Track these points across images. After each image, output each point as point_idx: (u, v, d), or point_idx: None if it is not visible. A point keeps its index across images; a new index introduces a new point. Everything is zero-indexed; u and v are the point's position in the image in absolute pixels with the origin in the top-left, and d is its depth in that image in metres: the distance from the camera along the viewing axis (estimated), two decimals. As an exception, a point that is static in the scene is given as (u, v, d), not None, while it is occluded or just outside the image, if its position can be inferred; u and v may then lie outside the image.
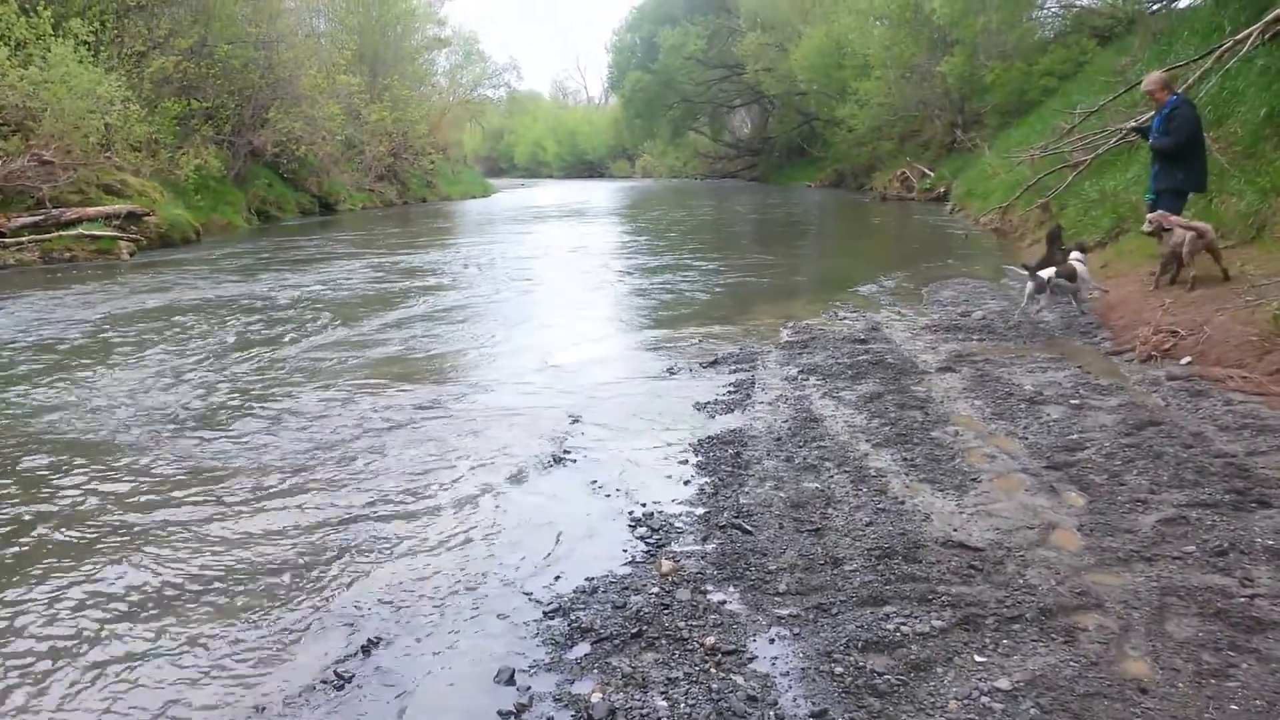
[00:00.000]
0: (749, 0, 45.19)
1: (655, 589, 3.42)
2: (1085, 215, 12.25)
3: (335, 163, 32.24)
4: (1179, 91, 9.19)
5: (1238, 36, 12.57)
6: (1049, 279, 7.74)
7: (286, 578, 3.68)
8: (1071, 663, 2.75)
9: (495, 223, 27.02)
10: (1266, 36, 12.05)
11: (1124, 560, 3.40)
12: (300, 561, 3.82)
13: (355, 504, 4.47)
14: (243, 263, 15.35)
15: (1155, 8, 20.31)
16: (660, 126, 58.24)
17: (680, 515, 4.16)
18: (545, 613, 3.32)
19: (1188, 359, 6.14)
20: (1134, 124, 10.24)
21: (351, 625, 3.29)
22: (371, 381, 6.95)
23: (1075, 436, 4.82)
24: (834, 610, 3.16)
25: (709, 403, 6.02)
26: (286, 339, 8.61)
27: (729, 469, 4.72)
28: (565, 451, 5.16)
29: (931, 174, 27.33)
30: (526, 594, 3.48)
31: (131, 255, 16.05)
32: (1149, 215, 7.99)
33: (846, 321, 8.67)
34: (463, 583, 3.60)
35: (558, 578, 3.61)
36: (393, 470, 4.95)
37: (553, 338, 8.61)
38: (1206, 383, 5.67)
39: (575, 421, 5.76)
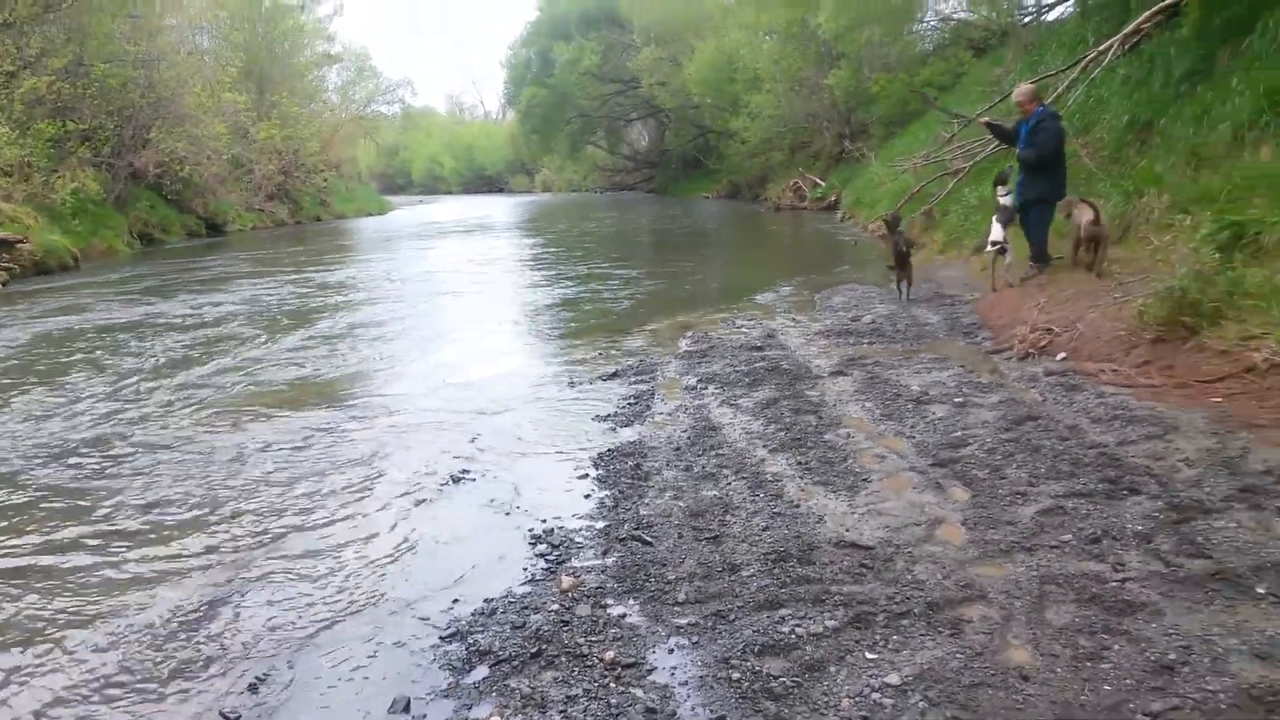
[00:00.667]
0: (642, 15, 45.65)
1: (555, 606, 3.40)
2: (966, 220, 12.78)
3: (222, 182, 31.21)
4: (1046, 103, 9.73)
5: (1100, 48, 13.33)
6: None
7: (169, 613, 3.53)
8: (958, 654, 2.85)
9: (394, 240, 26.57)
10: (1126, 48, 12.82)
11: (1006, 551, 3.54)
12: (184, 594, 3.68)
13: (243, 532, 4.32)
14: (124, 289, 14.68)
15: (1026, 21, 21.40)
16: (558, 141, 58.29)
17: (581, 530, 4.15)
18: (442, 637, 3.27)
19: (1062, 355, 6.44)
20: (987, 119, 10.73)
21: (238, 661, 3.18)
22: (263, 405, 6.74)
23: (959, 434, 5.01)
24: (732, 616, 3.20)
25: (609, 415, 6.04)
26: (173, 365, 8.27)
27: (629, 481, 4.74)
28: (464, 470, 5.10)
29: (822, 184, 28.08)
30: (423, 619, 3.42)
31: (4, 284, 15.20)
32: (1059, 201, 8.51)
33: (744, 329, 8.82)
34: (356, 610, 3.52)
35: (456, 600, 3.56)
36: (284, 495, 4.81)
37: (453, 354, 8.50)
38: (1080, 377, 5.96)
39: (474, 439, 5.70)
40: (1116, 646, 2.83)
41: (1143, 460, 4.33)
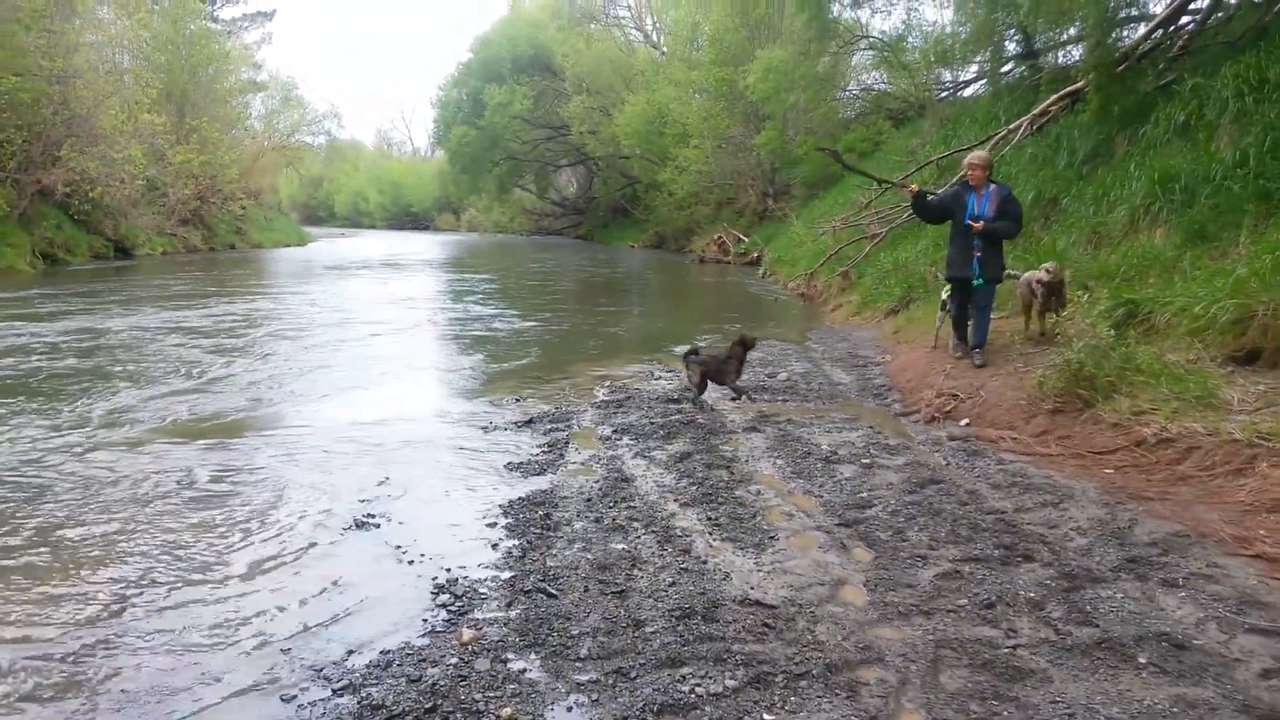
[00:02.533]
0: (574, 65, 46.19)
1: (454, 660, 3.32)
2: (880, 283, 13.17)
3: (135, 205, 30.25)
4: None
5: (1011, 126, 14.06)
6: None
7: (44, 666, 3.33)
8: (852, 717, 2.88)
9: (311, 273, 26.04)
10: (1034, 128, 13.53)
11: (904, 614, 3.61)
12: (61, 646, 3.47)
13: (128, 578, 4.12)
14: (18, 311, 14.03)
15: (942, 96, 22.36)
16: (486, 182, 58.20)
17: (486, 580, 4.08)
18: (334, 690, 3.15)
19: (966, 421, 6.65)
20: (910, 187, 8.95)
21: (109, 716, 3.01)
22: (159, 440, 6.48)
23: (865, 494, 5.11)
24: (633, 674, 3.18)
25: (522, 463, 5.98)
26: (64, 395, 7.91)
27: (538, 531, 4.68)
28: (369, 515, 4.97)
29: (746, 239, 28.62)
30: (315, 670, 3.30)
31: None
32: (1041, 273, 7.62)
33: (662, 381, 8.87)
34: (246, 662, 3.37)
35: (351, 652, 3.44)
36: (174, 537, 4.61)
37: (365, 394, 8.32)
38: (982, 443, 6.16)
39: (382, 483, 5.57)
40: (1006, 713, 2.89)
41: (1037, 528, 4.48)
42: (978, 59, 18.67)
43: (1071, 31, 14.78)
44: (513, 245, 49.22)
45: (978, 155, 8.14)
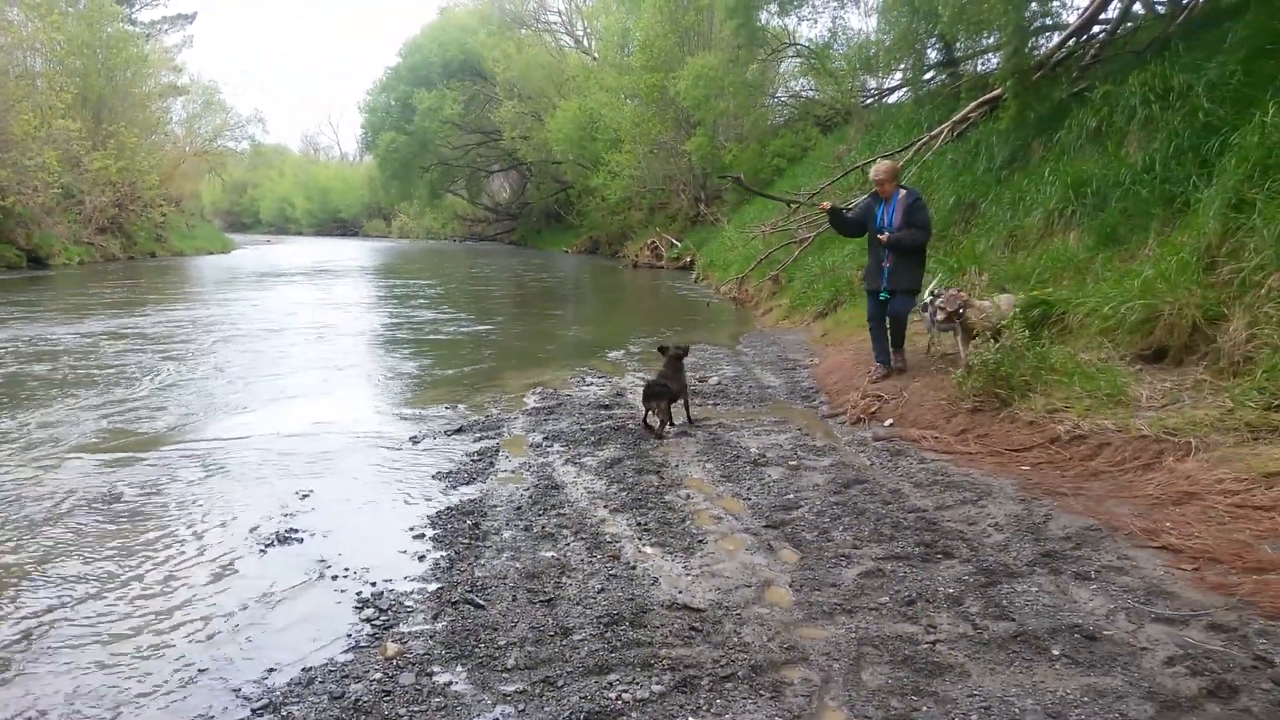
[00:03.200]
0: (505, 70, 45.94)
1: (378, 674, 3.27)
2: (809, 287, 13.37)
3: (49, 213, 29.18)
4: (906, 184, 8.88)
5: (933, 132, 14.38)
6: None
7: (-60, 693, 3.19)
8: (776, 717, 2.91)
9: (235, 281, 25.43)
10: (955, 134, 13.87)
11: (828, 614, 3.66)
12: (-40, 673, 3.33)
13: (37, 597, 3.97)
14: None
15: (868, 102, 22.78)
16: (417, 187, 57.55)
17: (412, 593, 4.03)
18: (254, 710, 3.08)
19: (890, 421, 6.79)
20: (822, 205, 8.90)
21: (17, 744, 2.90)
22: (72, 454, 6.26)
23: (792, 496, 5.17)
24: (560, 682, 3.16)
25: (450, 472, 5.92)
26: (-32, 411, 7.59)
27: (466, 541, 4.64)
28: (291, 529, 4.87)
29: (679, 244, 28.79)
30: (234, 690, 3.22)
31: None
32: (940, 300, 7.30)
33: (593, 387, 8.86)
34: (161, 681, 3.27)
35: (271, 669, 3.36)
36: (88, 551, 4.47)
37: (288, 407, 8.13)
38: (905, 443, 6.29)
39: (306, 496, 5.47)
40: (925, 708, 2.95)
41: (957, 525, 4.59)
42: (901, 67, 18.97)
43: (990, 40, 15.19)
44: (445, 251, 48.72)
45: (880, 167, 7.99)
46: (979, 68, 16.42)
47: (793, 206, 16.50)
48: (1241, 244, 5.84)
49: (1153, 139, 8.71)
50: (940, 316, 7.20)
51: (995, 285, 8.47)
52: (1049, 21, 13.81)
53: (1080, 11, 13.18)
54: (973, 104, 13.71)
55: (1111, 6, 12.55)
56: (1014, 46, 11.63)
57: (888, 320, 7.78)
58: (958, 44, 16.33)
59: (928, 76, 17.59)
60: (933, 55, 17.19)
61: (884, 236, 7.55)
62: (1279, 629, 3.31)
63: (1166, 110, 8.74)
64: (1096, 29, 12.75)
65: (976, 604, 3.67)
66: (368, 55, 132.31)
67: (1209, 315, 5.77)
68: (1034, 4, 12.12)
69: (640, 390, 8.31)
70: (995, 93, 13.00)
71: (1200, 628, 3.38)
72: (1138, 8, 12.78)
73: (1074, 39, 12.84)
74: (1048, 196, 9.46)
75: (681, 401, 7.16)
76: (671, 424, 6.91)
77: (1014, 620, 3.51)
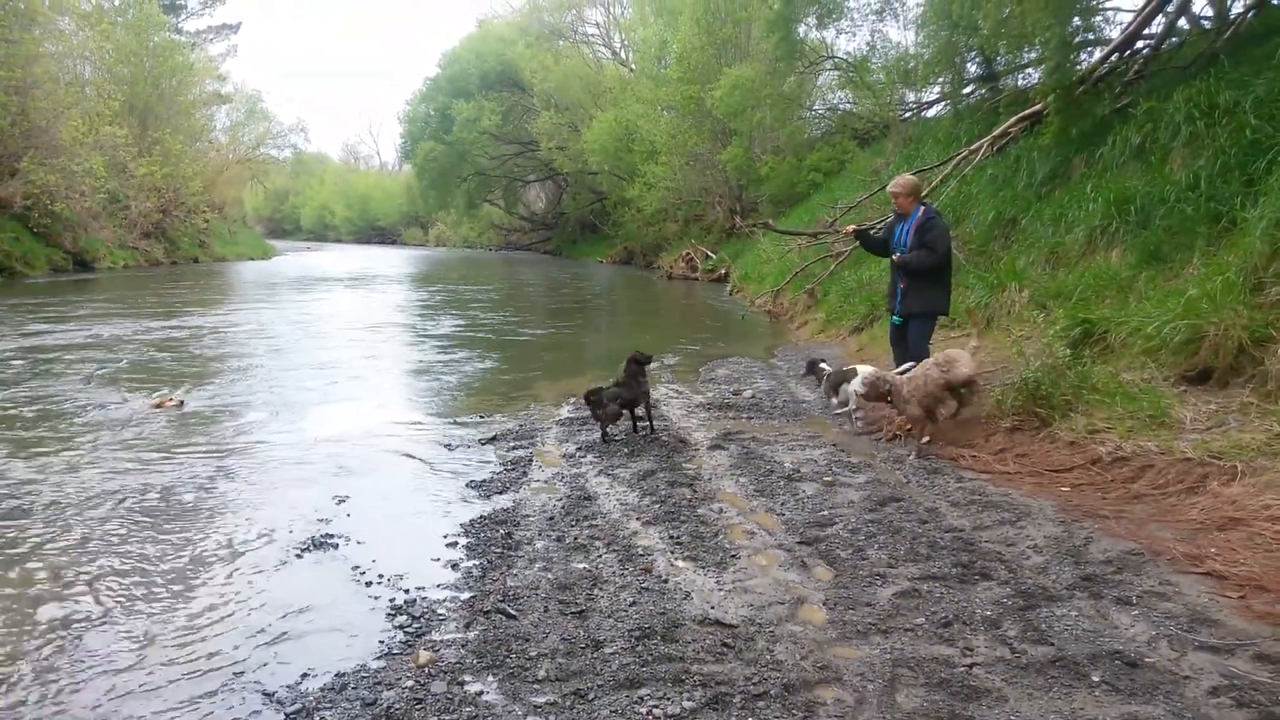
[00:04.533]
0: (543, 81, 46.25)
1: (410, 682, 3.29)
2: (845, 302, 13.28)
3: (95, 217, 29.85)
4: (927, 201, 8.43)
5: (972, 147, 14.25)
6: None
7: (-16, 689, 3.25)
8: (810, 737, 2.88)
9: (276, 287, 25.78)
10: (995, 149, 13.73)
11: (862, 633, 3.62)
12: (6, 670, 3.39)
13: (77, 598, 4.03)
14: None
15: (906, 116, 22.65)
16: (455, 197, 58.09)
17: (444, 601, 4.04)
18: (288, 715, 3.10)
19: (927, 439, 6.71)
20: (847, 230, 8.11)
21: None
22: (117, 460, 6.36)
23: (826, 512, 5.13)
24: (591, 696, 3.16)
25: (484, 481, 5.95)
26: (26, 408, 7.74)
27: (499, 550, 4.65)
28: (327, 535, 4.91)
29: (714, 256, 28.74)
30: (268, 694, 3.25)
31: None
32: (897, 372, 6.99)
33: (626, 398, 8.84)
34: (196, 686, 3.31)
35: (305, 675, 3.39)
36: (131, 555, 4.54)
37: (326, 412, 8.22)
38: (942, 461, 6.22)
39: (342, 502, 5.52)
40: (961, 732, 2.90)
41: (995, 546, 4.52)
42: (940, 80, 18.89)
43: (1030, 55, 15.04)
44: (481, 260, 49.10)
45: (898, 181, 7.55)
46: (1019, 83, 16.28)
47: (833, 217, 16.41)
48: (1291, 264, 5.71)
49: (1198, 156, 8.56)
50: (861, 399, 7.21)
51: (1035, 302, 8.35)
52: (1092, 36, 13.67)
53: (1124, 26, 13.03)
54: (1013, 119, 13.56)
55: (1156, 22, 12.39)
56: (1056, 61, 11.49)
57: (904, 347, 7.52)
58: (998, 58, 16.20)
59: (967, 91, 17.44)
60: (972, 69, 17.06)
61: (896, 257, 7.37)
62: (1328, 661, 3.22)
63: (1212, 127, 8.58)
64: (1140, 44, 12.57)
65: (1014, 627, 3.61)
66: (410, 66, 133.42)
67: (1256, 337, 5.64)
68: (1077, 19, 11.99)
69: (673, 402, 8.32)
70: (1036, 108, 12.86)
71: (1246, 658, 3.30)
72: (1183, 23, 12.60)
73: (1117, 54, 12.68)
74: (1090, 213, 9.32)
75: (642, 409, 7.16)
76: (639, 429, 7.15)
77: (1053, 645, 3.44)
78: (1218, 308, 5.96)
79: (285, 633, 3.76)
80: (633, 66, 44.06)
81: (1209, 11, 12.59)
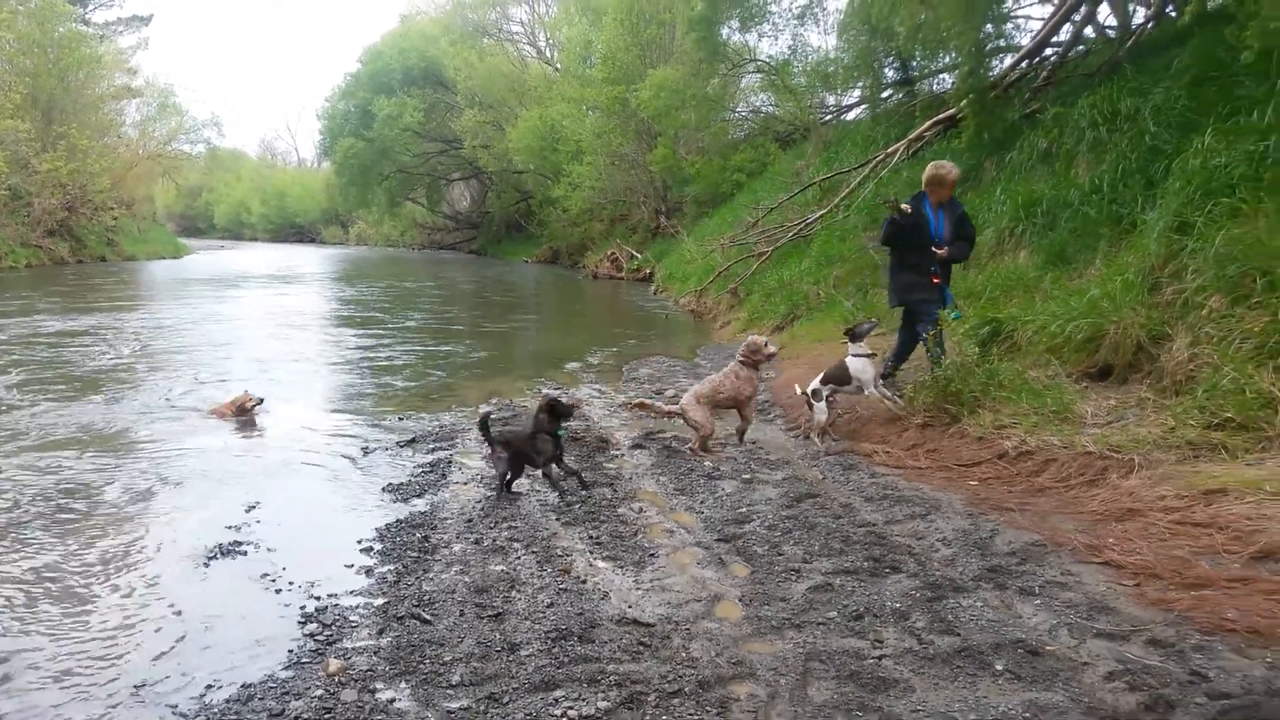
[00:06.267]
0: (467, 79, 45.73)
1: (320, 691, 3.21)
2: (766, 302, 13.45)
3: (-6, 215, 28.48)
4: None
5: (889, 150, 14.57)
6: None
7: None
8: (723, 733, 2.90)
9: (188, 286, 24.97)
10: (910, 152, 14.06)
11: (777, 628, 3.66)
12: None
13: (-34, 615, 3.84)
14: None
15: (827, 119, 23.07)
16: (376, 195, 56.97)
17: (357, 607, 3.96)
18: (189, 728, 3.00)
19: (842, 437, 6.83)
20: (902, 206, 6.88)
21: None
22: (17, 464, 6.09)
23: (744, 510, 5.18)
24: (505, 699, 3.13)
25: (401, 484, 5.85)
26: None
27: (415, 555, 4.58)
28: (236, 542, 4.78)
29: (639, 256, 28.82)
30: (170, 706, 3.14)
31: None
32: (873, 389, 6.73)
33: (549, 398, 8.80)
34: (94, 701, 3.18)
35: (210, 686, 3.29)
36: (24, 564, 4.35)
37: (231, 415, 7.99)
38: (857, 457, 6.34)
39: (252, 508, 5.37)
40: (870, 723, 2.96)
41: (906, 539, 4.62)
42: (859, 84, 19.35)
43: (945, 61, 15.47)
44: (404, 259, 48.37)
45: (951, 168, 7.01)
46: (934, 87, 16.74)
47: (756, 218, 16.64)
48: (1184, 265, 5.98)
49: (1101, 161, 8.91)
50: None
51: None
52: (1003, 43, 14.12)
53: (1034, 34, 13.49)
54: (928, 122, 13.92)
55: (1064, 30, 12.85)
56: (970, 66, 11.84)
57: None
58: (914, 63, 16.63)
59: (885, 95, 17.87)
60: (889, 74, 17.50)
61: (943, 251, 6.91)
62: (1214, 644, 3.36)
63: (1114, 133, 8.95)
64: (1049, 52, 13.03)
65: (923, 619, 3.69)
66: (329, 62, 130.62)
67: (1153, 335, 5.90)
68: (989, 25, 12.36)
69: (596, 402, 8.31)
70: (950, 112, 13.23)
71: (1140, 643, 3.43)
72: (1089, 31, 13.11)
73: (1027, 61, 13.12)
74: (999, 215, 9.63)
75: (539, 467, 5.63)
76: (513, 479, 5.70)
77: (959, 635, 3.53)
78: (1117, 307, 6.21)
79: (189, 643, 3.64)
80: (558, 65, 43.88)
81: (1114, 21, 13.14)
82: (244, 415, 7.73)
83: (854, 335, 6.81)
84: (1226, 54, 7.61)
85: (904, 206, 6.88)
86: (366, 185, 55.03)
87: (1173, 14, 11.29)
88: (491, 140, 45.01)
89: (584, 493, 5.57)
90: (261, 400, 7.87)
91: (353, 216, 73.97)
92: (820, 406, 6.74)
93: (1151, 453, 5.00)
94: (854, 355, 6.73)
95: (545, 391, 6.38)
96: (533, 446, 5.57)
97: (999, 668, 3.28)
